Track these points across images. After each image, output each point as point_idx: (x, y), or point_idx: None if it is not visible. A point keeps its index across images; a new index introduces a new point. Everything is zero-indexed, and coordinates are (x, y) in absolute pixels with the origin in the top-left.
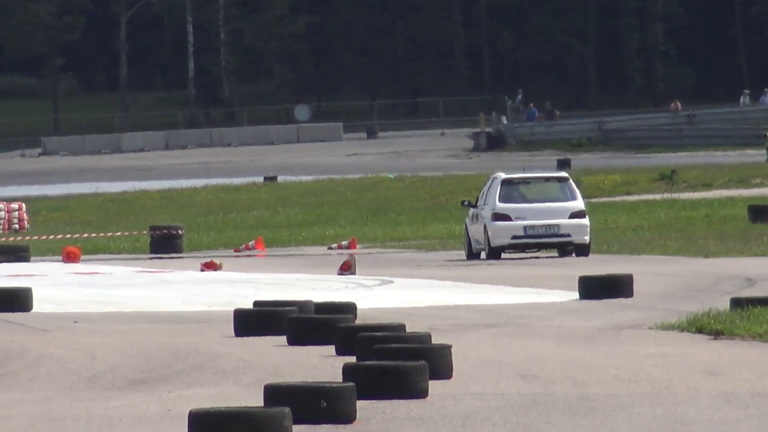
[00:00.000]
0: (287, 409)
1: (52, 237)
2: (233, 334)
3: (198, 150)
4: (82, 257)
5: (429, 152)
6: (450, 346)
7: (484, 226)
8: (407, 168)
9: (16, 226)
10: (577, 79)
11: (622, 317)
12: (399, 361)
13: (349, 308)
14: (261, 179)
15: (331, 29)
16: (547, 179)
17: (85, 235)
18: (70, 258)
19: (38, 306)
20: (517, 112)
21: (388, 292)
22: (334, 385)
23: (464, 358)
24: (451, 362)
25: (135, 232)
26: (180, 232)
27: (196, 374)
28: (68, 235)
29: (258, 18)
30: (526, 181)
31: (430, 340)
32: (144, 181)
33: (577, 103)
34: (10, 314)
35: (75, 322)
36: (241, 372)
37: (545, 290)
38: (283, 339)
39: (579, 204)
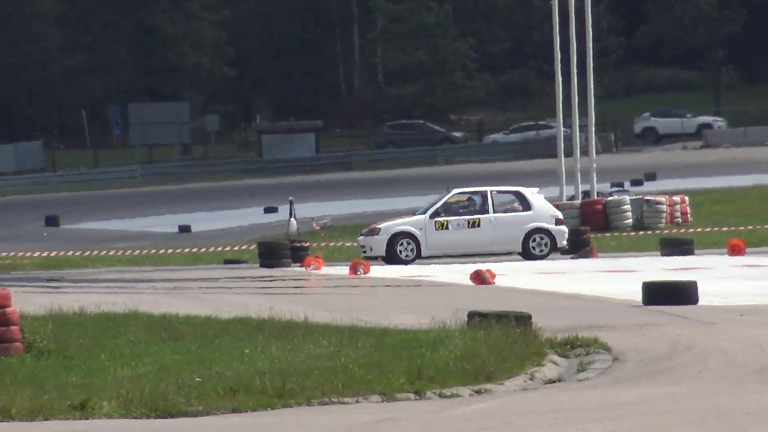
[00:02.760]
0: None
1: (716, 229)
2: None
3: None
4: (747, 250)
5: None
6: None
7: None
8: None
9: (679, 219)
10: None
11: None
12: None
13: None
14: None
15: None
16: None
17: (749, 227)
18: (734, 251)
19: (704, 299)
20: None
21: None
22: None
23: None
24: None
25: None
26: None
27: None
28: (732, 228)
29: None
30: None
31: None
32: None
33: None
34: (676, 307)
35: (741, 315)
36: None
37: None
38: None
39: None
